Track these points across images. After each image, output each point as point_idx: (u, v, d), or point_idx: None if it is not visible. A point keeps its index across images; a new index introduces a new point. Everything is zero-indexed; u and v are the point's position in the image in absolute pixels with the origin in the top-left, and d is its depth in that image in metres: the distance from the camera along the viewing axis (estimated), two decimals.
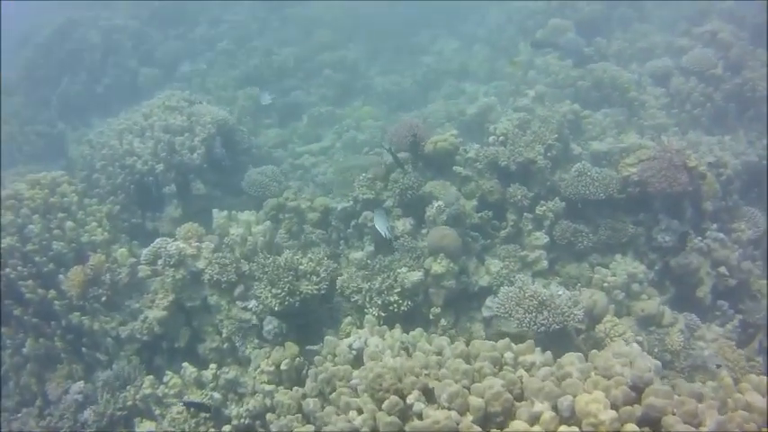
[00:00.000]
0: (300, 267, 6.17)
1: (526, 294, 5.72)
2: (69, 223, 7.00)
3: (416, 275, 6.24)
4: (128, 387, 6.28)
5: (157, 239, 6.55)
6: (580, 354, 4.35)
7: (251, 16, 15.42)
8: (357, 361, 5.22)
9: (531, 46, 11.03)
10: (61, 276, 6.70)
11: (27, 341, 6.78)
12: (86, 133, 12.03)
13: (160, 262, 6.32)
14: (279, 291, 5.94)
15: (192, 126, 8.00)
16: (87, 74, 13.69)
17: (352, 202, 7.08)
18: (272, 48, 13.89)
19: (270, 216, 7.27)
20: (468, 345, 4.72)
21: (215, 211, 6.97)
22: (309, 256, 6.37)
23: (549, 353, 4.60)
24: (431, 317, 6.30)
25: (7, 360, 6.98)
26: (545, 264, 6.67)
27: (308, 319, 6.24)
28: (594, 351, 4.40)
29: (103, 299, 6.42)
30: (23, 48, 16.53)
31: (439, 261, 6.35)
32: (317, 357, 5.42)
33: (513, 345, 4.67)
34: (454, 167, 7.23)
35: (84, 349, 6.68)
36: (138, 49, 14.18)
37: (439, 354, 4.78)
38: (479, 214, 6.93)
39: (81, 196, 7.61)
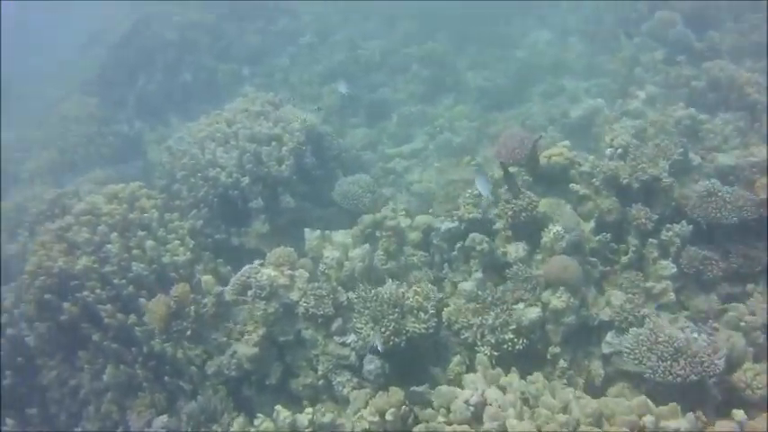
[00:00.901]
0: (406, 303, 5.76)
1: (659, 339, 5.22)
2: (150, 242, 6.70)
3: (534, 313, 5.83)
4: (214, 426, 5.98)
5: (246, 267, 6.19)
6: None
7: (332, 8, 15.19)
8: (475, 419, 4.78)
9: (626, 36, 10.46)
10: (142, 300, 6.44)
11: (107, 368, 6.57)
12: (164, 134, 11.96)
13: (250, 293, 5.96)
14: (383, 329, 5.55)
15: (279, 134, 7.64)
16: (163, 72, 13.65)
17: (457, 222, 6.63)
18: (356, 41, 13.59)
19: (366, 234, 6.88)
20: (586, 379, 4.24)
21: (307, 231, 6.59)
22: (415, 288, 5.93)
23: (692, 416, 4.08)
24: (548, 356, 5.84)
25: (86, 384, 6.80)
26: (672, 297, 6.08)
27: (412, 355, 5.82)
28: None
29: (188, 333, 6.10)
30: (92, 47, 16.74)
31: (559, 295, 5.89)
32: (428, 411, 4.99)
33: (652, 405, 4.18)
34: (570, 185, 6.70)
35: (166, 377, 6.43)
36: (215, 45, 14.07)
37: (565, 409, 4.32)
38: (597, 237, 6.39)
39: (161, 211, 7.31)
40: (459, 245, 6.55)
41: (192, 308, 6.05)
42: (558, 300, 5.91)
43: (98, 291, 6.51)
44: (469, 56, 13.69)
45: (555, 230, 6.20)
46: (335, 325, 5.92)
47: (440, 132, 10.44)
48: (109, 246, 6.67)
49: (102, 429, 6.80)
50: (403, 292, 5.86)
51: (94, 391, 6.76)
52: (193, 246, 6.98)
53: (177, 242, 6.89)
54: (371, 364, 5.65)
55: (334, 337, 5.93)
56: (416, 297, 5.85)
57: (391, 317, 5.60)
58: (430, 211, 7.47)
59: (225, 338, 6.12)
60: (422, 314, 5.76)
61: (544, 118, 10.03)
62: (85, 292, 6.51)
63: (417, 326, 5.66)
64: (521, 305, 5.93)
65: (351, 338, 5.87)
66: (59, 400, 7.21)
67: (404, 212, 7.19)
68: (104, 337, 6.55)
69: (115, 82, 14.01)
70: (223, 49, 13.96)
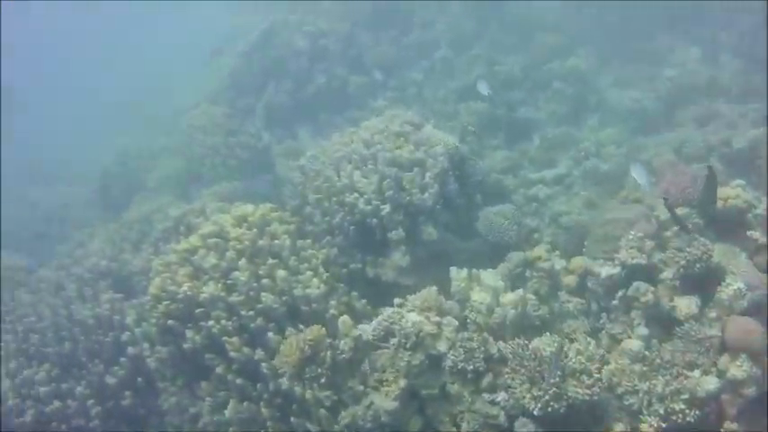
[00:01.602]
0: (569, 364, 5.22)
1: None
2: (281, 272, 6.41)
3: (713, 383, 5.25)
4: None
5: (388, 310, 5.77)
6: None
7: (467, 19, 14.74)
8: None
9: None
10: (270, 335, 6.18)
11: (230, 402, 6.34)
12: (293, 147, 11.84)
13: (393, 341, 5.55)
14: (541, 393, 5.03)
15: (422, 159, 7.23)
16: (293, 81, 13.57)
17: (618, 268, 6.03)
18: (494, 56, 13.12)
19: (515, 274, 6.39)
20: None
21: (453, 270, 6.12)
22: (578, 346, 5.39)
23: None
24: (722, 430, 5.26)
25: (206, 415, 6.60)
26: None
27: (566, 418, 5.26)
28: None
29: (323, 380, 5.74)
30: (220, 55, 16.95)
31: (739, 364, 5.28)
32: None
33: None
34: (748, 232, 6.10)
35: (292, 418, 6.12)
36: (346, 54, 13.90)
37: None
38: None
39: (293, 238, 7.02)
40: (620, 293, 5.98)
41: (328, 353, 5.68)
42: (737, 368, 5.32)
43: (224, 321, 6.27)
44: (612, 73, 12.99)
45: (736, 287, 5.56)
46: (486, 381, 5.44)
47: (585, 158, 9.81)
48: (237, 273, 6.43)
49: None
50: (565, 351, 5.34)
51: (215, 423, 6.58)
52: (327, 277, 6.65)
53: (310, 273, 6.53)
54: (524, 429, 5.15)
55: (483, 394, 5.45)
56: (579, 358, 5.32)
57: (552, 380, 5.09)
58: (583, 249, 6.96)
59: (361, 387, 5.73)
60: (585, 377, 5.23)
61: (702, 146, 9.25)
62: (210, 322, 6.28)
63: (581, 391, 5.13)
64: (696, 372, 5.33)
65: (501, 396, 5.38)
66: (178, 426, 7.13)
67: (558, 253, 6.68)
68: (228, 370, 6.32)
69: (243, 91, 14.06)
70: (355, 59, 13.77)
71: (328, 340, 5.75)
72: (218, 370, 6.31)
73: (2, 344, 8.40)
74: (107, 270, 9.06)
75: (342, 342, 5.81)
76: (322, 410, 5.88)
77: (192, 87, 17.84)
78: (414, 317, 5.59)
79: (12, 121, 25.33)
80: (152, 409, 7.59)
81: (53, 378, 7.81)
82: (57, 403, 7.52)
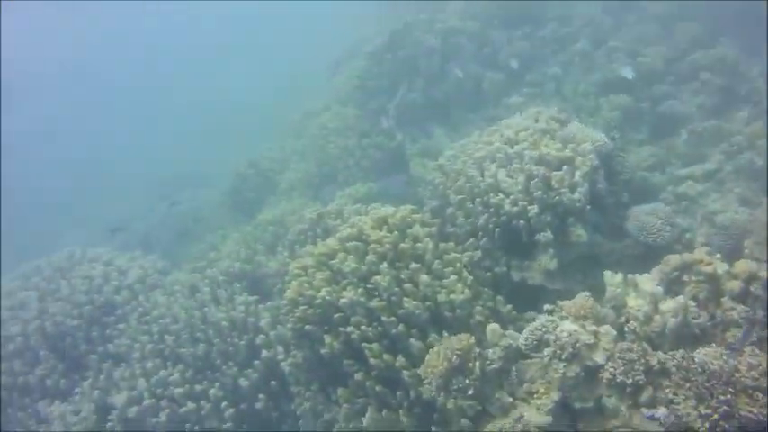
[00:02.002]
0: (741, 379, 4.78)
1: None
2: (424, 277, 6.22)
3: None
4: None
5: (540, 318, 5.46)
6: None
7: (603, 11, 14.19)
8: None
9: None
10: (412, 341, 6.00)
11: (368, 410, 6.21)
12: (427, 146, 11.69)
13: (547, 351, 5.26)
14: (709, 411, 4.62)
15: (570, 156, 6.89)
16: (425, 80, 13.41)
17: None
18: (635, 48, 12.55)
19: (672, 278, 5.96)
20: None
21: (608, 274, 5.73)
22: (749, 360, 4.94)
23: None
24: None
25: (342, 422, 6.48)
26: None
27: None
28: None
29: (470, 392, 5.51)
30: (352, 58, 17.02)
31: None
32: None
33: None
34: None
35: (433, 428, 5.93)
36: (479, 51, 13.61)
37: None
38: None
39: (435, 241, 6.78)
40: None
41: (477, 363, 5.44)
42: None
43: (363, 327, 6.14)
44: (762, 63, 12.14)
45: None
46: (645, 395, 5.07)
47: (739, 152, 9.19)
48: (377, 278, 6.28)
49: None
50: (734, 364, 4.90)
51: (351, 430, 6.48)
52: (471, 282, 6.39)
53: (454, 277, 6.29)
54: None
55: (642, 409, 5.09)
56: (751, 373, 4.87)
57: (722, 397, 4.67)
58: (744, 251, 6.46)
59: (509, 398, 5.45)
60: (759, 395, 4.78)
61: None
62: (350, 328, 6.16)
63: (755, 410, 4.69)
64: None
65: (661, 413, 5.01)
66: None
67: (719, 256, 6.19)
68: (368, 376, 6.19)
69: (374, 92, 14.01)
70: (488, 57, 13.46)
71: (477, 350, 5.51)
72: (357, 376, 6.17)
73: (137, 344, 8.64)
74: (241, 272, 9.17)
75: (491, 351, 5.56)
76: (464, 420, 5.66)
77: (320, 90, 18.06)
78: (569, 326, 5.26)
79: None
80: (285, 412, 7.60)
81: (187, 379, 7.95)
82: (191, 404, 7.64)
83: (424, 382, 5.68)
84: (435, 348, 5.60)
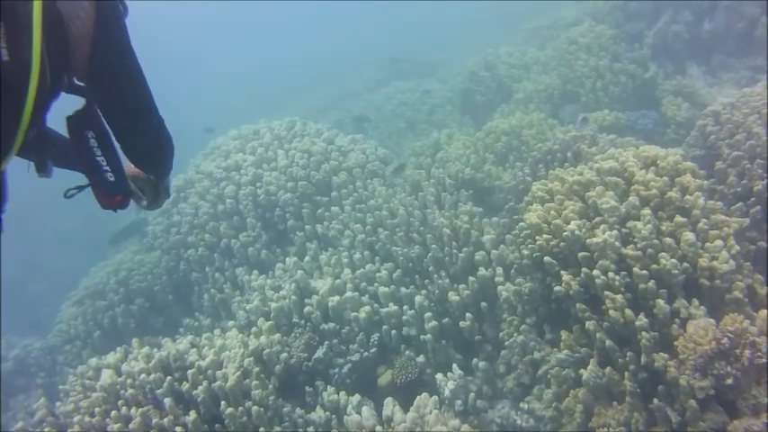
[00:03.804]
0: None
1: None
2: (688, 235, 5.95)
3: None
4: None
5: None
6: None
7: None
8: None
9: None
10: (660, 303, 5.85)
11: (590, 363, 6.21)
12: (682, 85, 11.16)
13: None
14: None
15: None
16: (692, 13, 12.67)
17: None
18: None
19: None
20: None
21: None
22: None
23: None
24: None
25: (554, 367, 6.57)
26: None
27: None
28: None
29: (729, 381, 5.29)
30: None
31: None
32: None
33: None
34: None
35: (655, 400, 5.86)
36: None
37: None
38: None
39: (705, 197, 6.48)
40: None
41: (746, 352, 5.22)
42: None
43: (611, 274, 5.99)
44: None
45: None
46: None
47: None
48: (637, 224, 6.13)
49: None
50: None
51: (562, 377, 6.52)
52: (736, 252, 6.10)
53: (719, 242, 6.02)
54: None
55: None
56: None
57: None
58: None
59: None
60: None
61: None
62: (595, 271, 6.08)
63: None
64: None
65: None
66: (513, 365, 7.21)
67: None
68: (599, 327, 6.13)
69: (635, 14, 13.42)
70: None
71: (751, 338, 5.26)
72: (588, 325, 6.15)
73: (348, 232, 8.93)
74: (470, 179, 9.21)
75: (759, 340, 5.30)
76: (692, 402, 5.53)
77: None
78: None
79: None
80: (488, 338, 7.69)
81: (394, 280, 8.17)
82: (393, 307, 7.83)
83: (681, 355, 5.54)
84: (699, 322, 5.43)
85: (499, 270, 7.55)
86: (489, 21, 25.62)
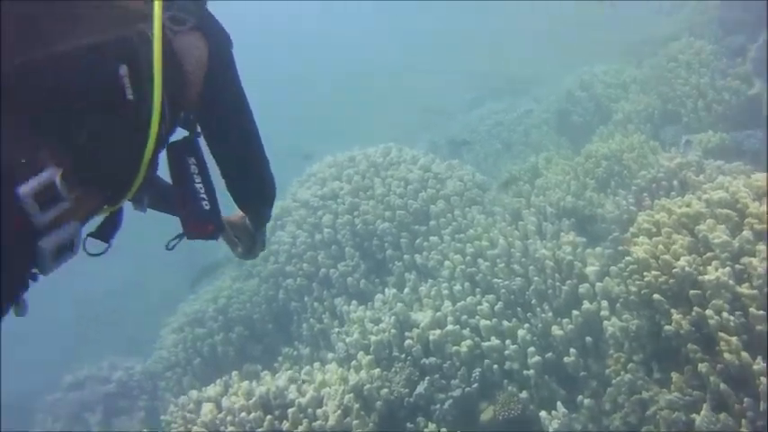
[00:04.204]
0: None
1: None
2: None
3: None
4: None
5: None
6: None
7: None
8: None
9: None
10: None
11: (703, 407, 5.99)
12: None
13: None
14: None
15: None
16: None
17: None
18: None
19: None
20: None
21: None
22: None
23: None
24: None
25: (664, 409, 6.36)
26: None
27: None
28: None
29: None
30: None
31: None
32: None
33: None
34: None
35: None
36: None
37: None
38: None
39: None
40: None
41: None
42: None
43: (725, 315, 5.82)
44: None
45: None
46: None
47: None
48: (752, 260, 5.93)
49: None
50: None
51: (673, 420, 6.34)
52: None
53: None
54: None
55: None
56: None
57: None
58: None
59: None
60: None
61: None
62: (708, 311, 5.88)
63: None
64: None
65: None
66: (619, 404, 7.03)
67: None
68: (712, 370, 5.90)
69: (734, 28, 13.08)
70: None
71: None
72: (701, 367, 5.97)
73: (448, 262, 8.90)
74: (571, 208, 9.08)
75: None
76: None
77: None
78: None
79: None
80: (594, 373, 7.53)
81: (496, 313, 8.10)
82: (495, 341, 7.73)
83: None
84: None
85: (604, 303, 7.40)
86: (565, 32, 25.28)
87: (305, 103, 36.14)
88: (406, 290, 8.88)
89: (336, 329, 9.33)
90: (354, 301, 9.42)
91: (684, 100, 12.01)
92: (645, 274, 6.38)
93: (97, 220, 2.75)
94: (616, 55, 17.69)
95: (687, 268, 6.08)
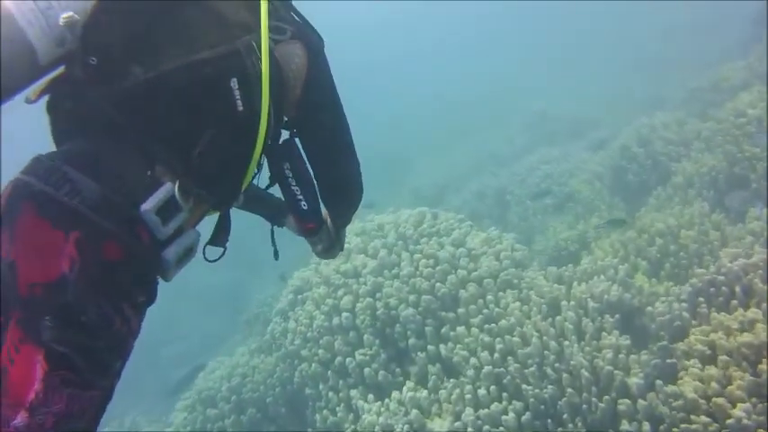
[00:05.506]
0: None
1: None
2: None
3: None
4: None
5: None
6: None
7: None
8: None
9: None
10: None
11: None
12: None
13: None
14: None
15: None
16: None
17: None
18: None
19: None
20: None
21: None
22: None
23: None
24: None
25: None
26: None
27: None
28: None
29: None
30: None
31: None
32: None
33: None
34: None
35: None
36: None
37: None
38: None
39: None
40: None
41: None
42: None
43: None
44: None
45: None
46: None
47: None
48: None
49: None
50: None
51: None
52: None
53: None
54: None
55: None
56: None
57: None
58: None
59: None
60: None
61: None
62: None
63: None
64: None
65: None
66: None
67: None
68: None
69: None
70: None
71: None
72: None
73: (473, 360, 8.11)
74: (617, 302, 8.07)
75: None
76: None
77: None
78: None
79: None
80: None
81: (522, 424, 7.33)
82: None
83: None
84: None
85: (646, 427, 6.51)
86: (625, 66, 24.46)
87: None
88: (424, 392, 8.06)
89: (350, 428, 8.57)
90: (371, 395, 8.67)
91: (754, 163, 10.85)
92: (692, 417, 5.42)
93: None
94: (680, 102, 16.73)
95: (745, 420, 5.09)
